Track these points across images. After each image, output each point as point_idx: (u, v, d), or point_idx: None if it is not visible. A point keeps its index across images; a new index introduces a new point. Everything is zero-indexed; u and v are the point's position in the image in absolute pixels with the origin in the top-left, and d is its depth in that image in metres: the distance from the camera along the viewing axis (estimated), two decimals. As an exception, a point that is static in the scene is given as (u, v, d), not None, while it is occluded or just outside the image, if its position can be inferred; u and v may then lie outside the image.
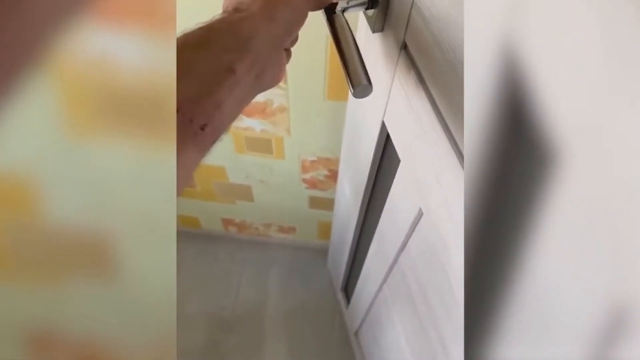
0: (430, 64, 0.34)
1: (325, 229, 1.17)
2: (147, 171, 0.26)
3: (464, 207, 0.22)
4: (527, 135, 0.18)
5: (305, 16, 0.32)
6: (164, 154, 0.24)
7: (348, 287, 1.09)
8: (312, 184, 0.97)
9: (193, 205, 1.14)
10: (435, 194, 0.38)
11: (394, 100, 0.45)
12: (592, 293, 0.17)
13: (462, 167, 0.32)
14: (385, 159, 0.58)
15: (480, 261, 0.22)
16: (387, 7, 0.40)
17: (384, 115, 0.49)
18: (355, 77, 0.35)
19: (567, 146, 0.16)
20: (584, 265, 0.17)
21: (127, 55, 0.23)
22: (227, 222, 1.21)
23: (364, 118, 0.58)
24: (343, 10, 0.38)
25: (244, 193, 1.05)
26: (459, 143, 0.32)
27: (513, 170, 0.20)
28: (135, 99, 0.24)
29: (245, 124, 0.80)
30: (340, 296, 1.15)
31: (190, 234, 1.28)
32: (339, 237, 0.99)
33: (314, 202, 1.05)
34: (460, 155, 0.32)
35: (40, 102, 0.24)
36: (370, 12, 0.42)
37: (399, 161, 0.48)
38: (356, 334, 1.06)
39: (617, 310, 0.15)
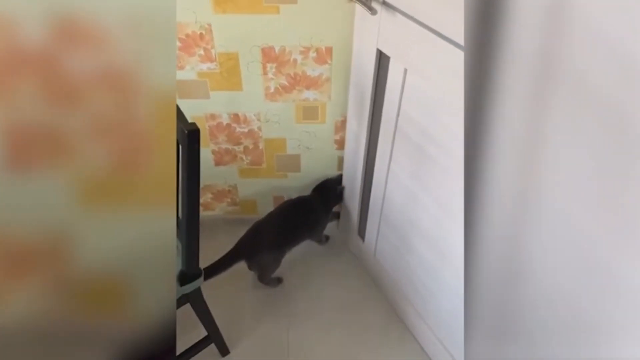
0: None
1: (348, 193, 1.67)
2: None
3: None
4: None
5: None
6: None
7: (361, 225, 1.56)
8: (340, 144, 1.52)
9: (255, 187, 1.63)
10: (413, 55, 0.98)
11: (383, 29, 1.06)
12: None
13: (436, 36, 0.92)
14: (380, 78, 1.17)
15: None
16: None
17: (377, 43, 1.09)
18: None
19: None
20: None
21: None
22: (277, 200, 1.69)
23: (363, 55, 1.18)
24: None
25: (294, 163, 1.57)
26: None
27: None
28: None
29: (304, 95, 1.37)
30: (356, 241, 1.61)
31: (247, 221, 1.73)
32: (351, 177, 1.50)
33: (341, 164, 1.58)
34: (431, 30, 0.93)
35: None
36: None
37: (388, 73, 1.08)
38: (375, 254, 1.50)
39: None
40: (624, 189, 0.51)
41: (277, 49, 1.26)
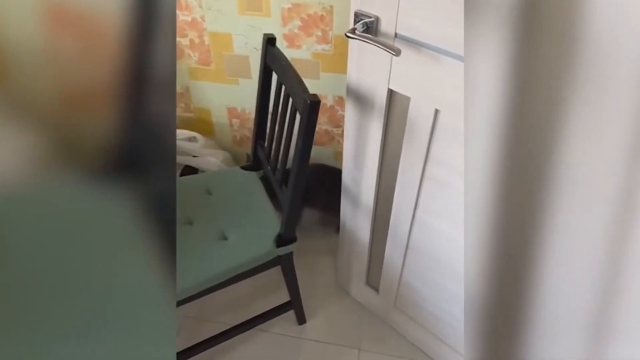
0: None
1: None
2: None
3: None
4: None
5: None
6: None
7: (371, 277, 1.38)
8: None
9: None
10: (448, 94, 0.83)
11: (398, 66, 0.89)
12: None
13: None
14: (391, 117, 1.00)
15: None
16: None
17: (388, 83, 0.93)
18: None
19: None
20: None
21: None
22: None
23: (365, 97, 1.00)
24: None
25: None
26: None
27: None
28: None
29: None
30: (365, 292, 1.43)
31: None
32: (352, 232, 1.30)
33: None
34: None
35: None
36: None
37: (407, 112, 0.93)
38: (394, 304, 1.34)
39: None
40: None
41: (392, 36, 1.28)
